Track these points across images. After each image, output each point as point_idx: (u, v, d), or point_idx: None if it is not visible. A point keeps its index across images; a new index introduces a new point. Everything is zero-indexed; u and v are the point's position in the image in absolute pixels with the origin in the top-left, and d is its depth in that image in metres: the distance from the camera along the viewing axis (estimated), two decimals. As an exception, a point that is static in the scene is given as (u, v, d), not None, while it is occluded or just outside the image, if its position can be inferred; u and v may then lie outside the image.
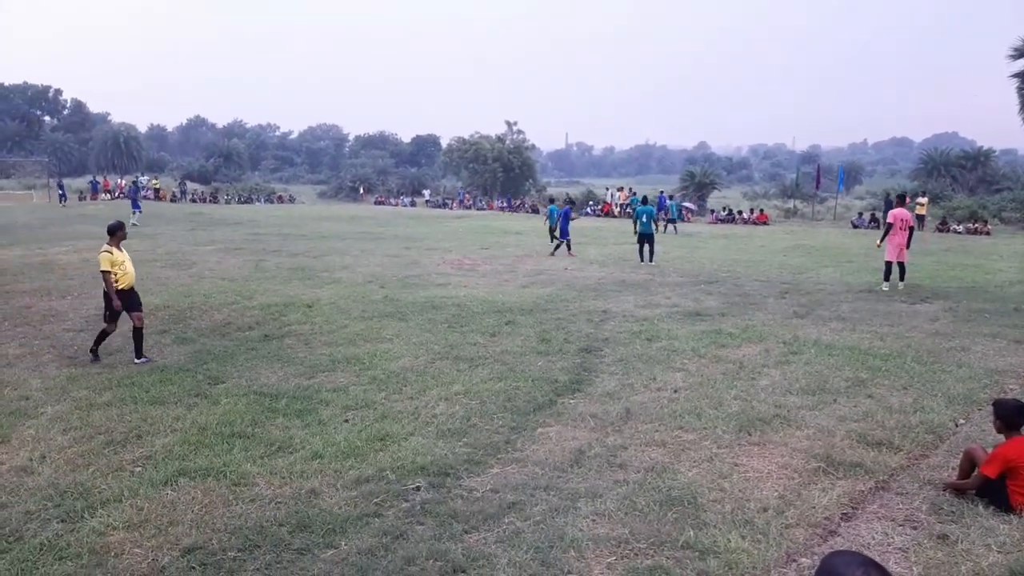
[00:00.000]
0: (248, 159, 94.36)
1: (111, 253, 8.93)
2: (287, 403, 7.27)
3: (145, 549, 4.55)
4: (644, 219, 19.72)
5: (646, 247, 19.54)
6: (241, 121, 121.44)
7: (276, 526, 4.80)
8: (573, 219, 23.38)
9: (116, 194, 54.60)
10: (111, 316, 9.05)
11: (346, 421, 6.78)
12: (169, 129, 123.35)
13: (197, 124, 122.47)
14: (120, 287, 8.95)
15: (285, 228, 30.55)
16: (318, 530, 4.75)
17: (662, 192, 40.01)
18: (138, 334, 9.04)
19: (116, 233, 9.07)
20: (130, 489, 5.37)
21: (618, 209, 42.73)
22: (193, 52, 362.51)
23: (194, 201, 54.52)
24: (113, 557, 4.47)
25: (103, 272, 8.92)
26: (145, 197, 53.72)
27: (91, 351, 9.14)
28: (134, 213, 32.39)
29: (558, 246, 21.77)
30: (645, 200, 22.65)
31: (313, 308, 12.16)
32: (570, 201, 29.59)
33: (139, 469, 5.76)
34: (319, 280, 15.48)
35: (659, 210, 38.29)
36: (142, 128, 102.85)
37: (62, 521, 4.93)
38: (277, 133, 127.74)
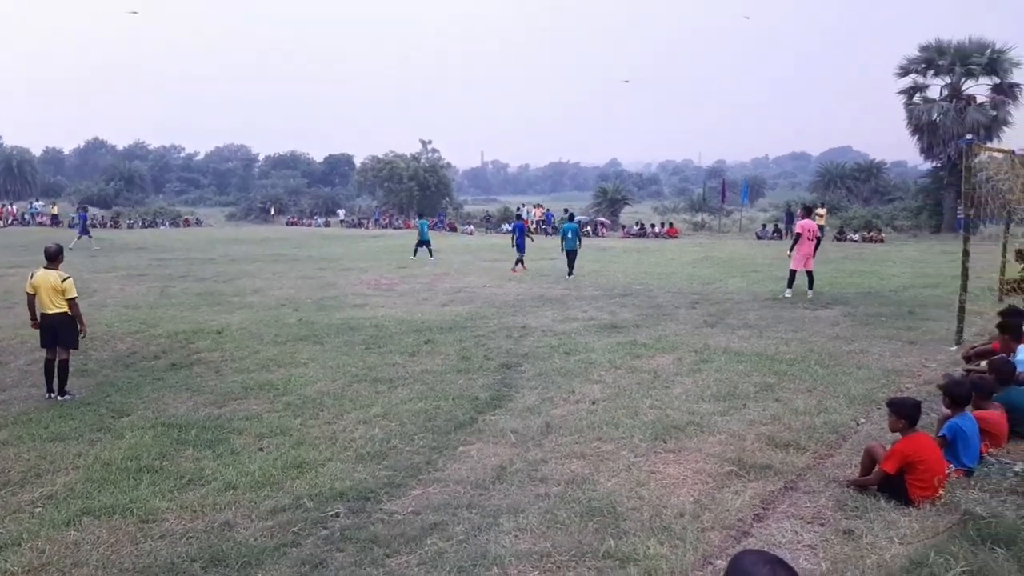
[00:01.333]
0: (151, 182, 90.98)
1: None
2: (197, 434, 7.02)
3: (45, 595, 4.30)
4: (569, 235, 20.22)
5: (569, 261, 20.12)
6: (143, 142, 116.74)
7: (188, 562, 4.62)
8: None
9: (9, 221, 51.67)
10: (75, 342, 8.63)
11: (260, 450, 6.60)
12: (66, 152, 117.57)
13: (96, 146, 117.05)
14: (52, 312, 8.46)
15: (192, 252, 29.56)
16: (233, 563, 4.59)
17: (548, 210, 41.47)
18: (64, 367, 8.55)
19: (58, 257, 8.60)
20: (30, 531, 5.07)
21: (534, 226, 43.23)
22: (90, 72, 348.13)
23: (93, 226, 52.03)
24: (9, 606, 4.21)
25: (74, 300, 8.45)
26: (41, 223, 51.18)
27: (62, 392, 8.45)
28: (80, 238, 32.07)
29: (518, 261, 21.98)
30: (572, 217, 23.18)
31: (223, 334, 11.80)
32: (518, 216, 30.36)
33: (39, 510, 5.45)
34: (229, 305, 15.05)
35: (548, 225, 39.68)
36: (36, 151, 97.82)
37: (-49, 571, 4.61)
38: (182, 154, 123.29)
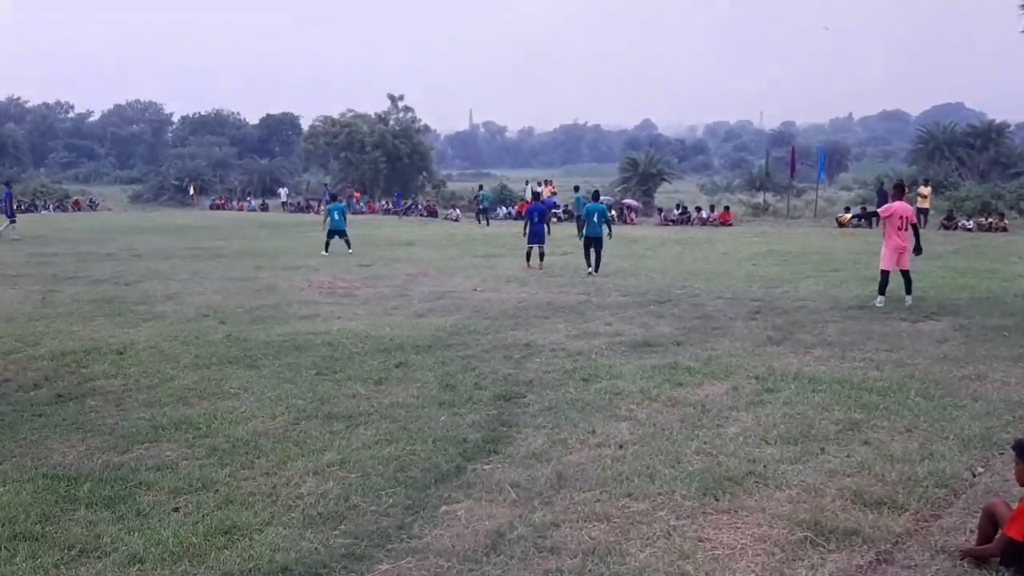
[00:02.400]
0: (29, 151, 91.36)
1: None
2: (92, 488, 7.01)
3: None
4: (595, 218, 20.53)
5: (592, 252, 20.62)
6: (18, 99, 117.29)
7: (79, 661, 4.61)
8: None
9: None
10: None
11: (176, 510, 6.59)
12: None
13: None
14: None
15: (84, 245, 29.61)
16: (139, 663, 4.58)
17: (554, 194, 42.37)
18: None
19: None
20: None
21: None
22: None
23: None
24: None
25: None
26: None
27: None
28: (11, 222, 33.89)
29: (529, 253, 22.36)
30: (596, 196, 23.47)
31: (126, 355, 11.81)
32: (536, 196, 30.78)
33: None
34: (134, 316, 15.06)
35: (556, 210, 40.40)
36: None
37: None
38: (71, 115, 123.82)
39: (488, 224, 41.97)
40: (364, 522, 6.28)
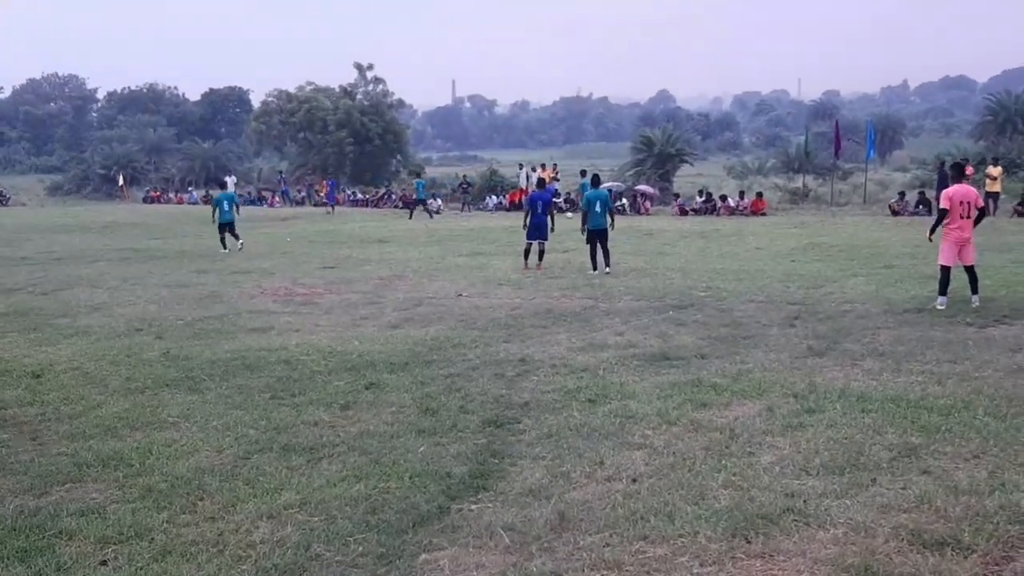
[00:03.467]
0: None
1: None
2: (2, 538, 6.98)
3: None
4: (598, 208, 20.49)
5: (599, 248, 20.77)
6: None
7: None
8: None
9: None
10: None
11: (104, 563, 6.57)
12: None
13: None
14: None
15: (-5, 247, 29.56)
16: None
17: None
18: None
19: None
20: None
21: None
22: None
23: None
24: None
25: None
26: None
27: None
28: None
29: (528, 251, 22.34)
30: (596, 181, 23.36)
31: (44, 378, 11.79)
32: (540, 183, 30.61)
33: None
34: (53, 331, 15.05)
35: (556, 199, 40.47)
36: None
37: None
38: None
39: (411, 218, 42.02)
40: (328, 575, 6.27)
